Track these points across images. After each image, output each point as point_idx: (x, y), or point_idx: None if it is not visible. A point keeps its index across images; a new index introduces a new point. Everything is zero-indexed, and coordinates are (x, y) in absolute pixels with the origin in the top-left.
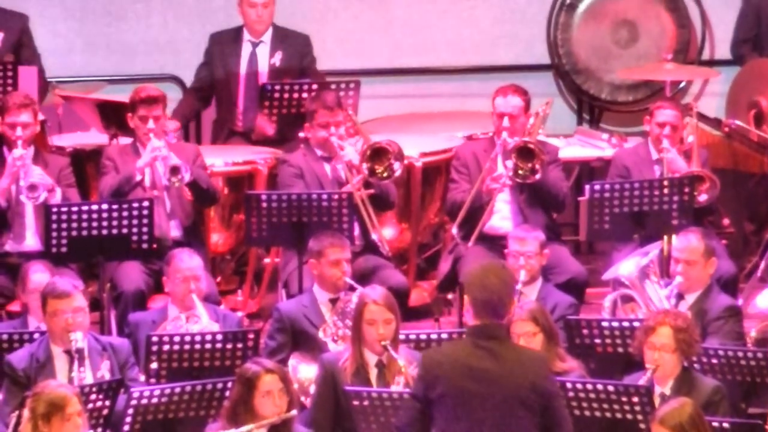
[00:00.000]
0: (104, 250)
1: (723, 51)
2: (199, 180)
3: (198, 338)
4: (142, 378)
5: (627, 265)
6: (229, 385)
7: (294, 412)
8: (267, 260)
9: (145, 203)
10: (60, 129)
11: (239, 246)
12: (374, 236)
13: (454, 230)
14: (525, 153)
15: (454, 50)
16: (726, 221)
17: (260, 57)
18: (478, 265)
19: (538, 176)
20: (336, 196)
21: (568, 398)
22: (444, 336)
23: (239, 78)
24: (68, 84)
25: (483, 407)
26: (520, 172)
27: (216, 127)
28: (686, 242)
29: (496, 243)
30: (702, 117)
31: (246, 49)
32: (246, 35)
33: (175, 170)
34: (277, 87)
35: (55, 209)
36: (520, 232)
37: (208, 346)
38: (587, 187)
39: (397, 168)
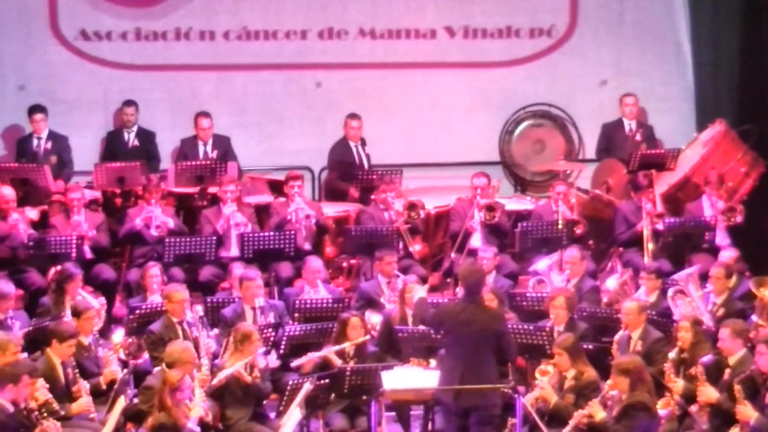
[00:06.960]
0: (271, 256)
1: (590, 154)
2: (320, 221)
3: (320, 300)
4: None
5: (541, 264)
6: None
7: (367, 337)
8: (353, 261)
9: (292, 231)
10: (248, 194)
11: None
12: (411, 249)
13: (452, 254)
14: (490, 209)
15: (450, 151)
16: (591, 242)
17: (362, 155)
18: (467, 263)
19: (497, 220)
20: (390, 230)
21: (509, 332)
22: (446, 300)
23: (355, 167)
24: (252, 170)
25: (468, 338)
26: (488, 218)
27: (335, 193)
28: (571, 253)
29: (472, 254)
30: (579, 189)
31: (357, 150)
32: (351, 143)
33: (308, 217)
34: (360, 172)
35: (246, 236)
36: (483, 248)
37: (325, 304)
38: (519, 224)
39: (422, 214)
